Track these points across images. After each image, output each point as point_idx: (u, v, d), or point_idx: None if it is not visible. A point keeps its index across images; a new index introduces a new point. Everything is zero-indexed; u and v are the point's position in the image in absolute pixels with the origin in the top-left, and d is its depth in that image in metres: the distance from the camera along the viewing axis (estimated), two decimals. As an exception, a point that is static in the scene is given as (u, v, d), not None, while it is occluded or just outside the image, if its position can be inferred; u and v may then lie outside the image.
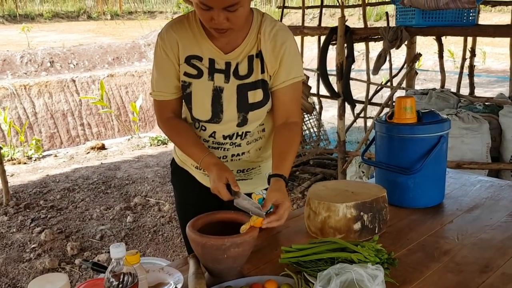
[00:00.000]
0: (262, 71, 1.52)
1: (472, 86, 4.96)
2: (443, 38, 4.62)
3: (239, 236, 1.27)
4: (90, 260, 1.38)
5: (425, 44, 10.87)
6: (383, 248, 1.37)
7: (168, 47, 1.49)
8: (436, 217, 1.81)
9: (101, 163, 6.30)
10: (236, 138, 1.60)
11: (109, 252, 3.50)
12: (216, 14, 1.31)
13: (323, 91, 5.08)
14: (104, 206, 4.54)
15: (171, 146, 7.17)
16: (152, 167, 5.96)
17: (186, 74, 1.51)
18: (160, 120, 1.59)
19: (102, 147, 7.53)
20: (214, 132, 1.59)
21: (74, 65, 10.67)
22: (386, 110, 4.67)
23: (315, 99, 5.37)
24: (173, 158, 1.77)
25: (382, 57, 3.81)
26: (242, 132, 1.59)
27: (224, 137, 1.59)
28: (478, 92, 5.74)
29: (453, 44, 10.74)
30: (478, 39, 5.06)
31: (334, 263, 1.31)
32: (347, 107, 4.35)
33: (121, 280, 0.97)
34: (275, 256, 1.51)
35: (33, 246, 3.63)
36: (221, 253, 1.25)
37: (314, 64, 5.41)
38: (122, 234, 3.85)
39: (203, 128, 1.60)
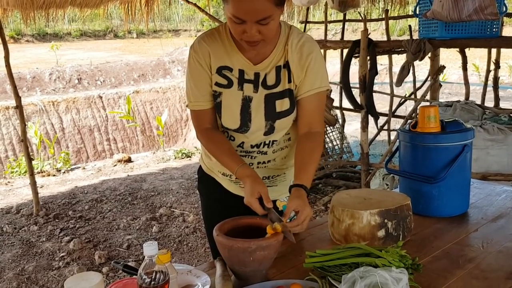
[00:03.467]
0: (289, 81, 1.56)
1: (497, 98, 4.90)
2: (467, 51, 4.60)
3: (265, 240, 1.30)
4: (122, 262, 1.43)
5: (450, 59, 10.77)
6: (407, 254, 1.38)
7: (201, 57, 1.55)
8: (461, 225, 1.80)
9: (128, 175, 6.42)
10: (263, 147, 1.64)
11: (136, 260, 3.58)
12: (248, 27, 1.36)
13: (346, 104, 5.10)
14: (130, 216, 4.62)
15: (195, 159, 7.26)
16: (177, 179, 6.04)
17: (217, 84, 1.57)
18: (198, 131, 1.64)
19: (129, 160, 7.68)
20: (243, 142, 1.64)
21: (101, 82, 10.95)
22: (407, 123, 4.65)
23: (337, 111, 5.39)
24: (200, 166, 1.82)
25: (405, 69, 3.81)
26: (269, 141, 1.63)
27: (252, 146, 1.64)
28: (504, 105, 5.65)
29: (478, 58, 10.61)
30: (505, 53, 5.01)
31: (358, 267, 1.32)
32: (370, 119, 4.35)
33: (153, 277, 1.01)
34: (299, 262, 1.53)
35: (62, 254, 3.72)
36: (247, 256, 1.28)
37: (337, 79, 5.43)
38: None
39: (232, 138, 1.64)
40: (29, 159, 4.77)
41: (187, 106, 1.64)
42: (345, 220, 1.61)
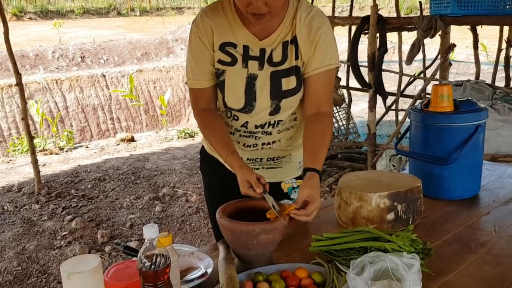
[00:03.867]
0: (296, 58, 1.49)
1: (508, 78, 4.79)
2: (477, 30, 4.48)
3: (270, 223, 1.25)
4: (122, 243, 1.39)
5: (457, 38, 10.57)
6: (418, 238, 1.33)
7: (203, 33, 1.47)
8: (472, 208, 1.75)
9: (131, 154, 6.39)
10: (268, 127, 1.58)
11: (138, 239, 3.56)
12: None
13: (352, 83, 5.00)
14: (133, 195, 4.60)
15: (197, 139, 7.22)
16: (180, 159, 6.01)
17: (220, 61, 1.50)
18: (194, 111, 1.58)
19: (132, 139, 7.65)
20: (247, 122, 1.57)
21: (104, 60, 10.85)
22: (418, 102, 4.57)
23: (344, 91, 5.30)
24: (202, 146, 1.77)
25: (415, 47, 3.72)
26: (274, 121, 1.57)
27: (256, 126, 1.58)
28: (515, 84, 5.53)
29: (486, 38, 10.42)
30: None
31: (367, 252, 1.28)
32: (378, 99, 4.27)
33: (153, 261, 0.97)
34: (305, 245, 1.49)
35: (63, 233, 3.71)
36: (251, 239, 1.24)
37: (344, 57, 5.33)
38: (151, 223, 3.89)
39: (236, 117, 1.58)
40: (30, 137, 4.73)
41: (185, 83, 1.58)
42: (353, 202, 1.56)
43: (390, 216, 1.54)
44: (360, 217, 1.55)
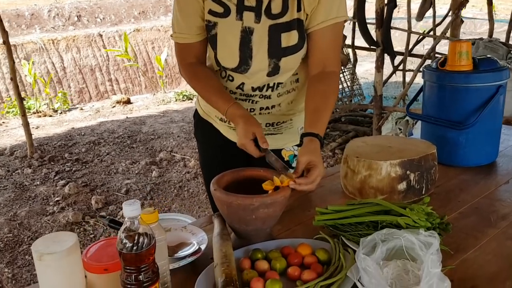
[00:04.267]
0: (299, 9, 1.33)
1: (523, 36, 4.59)
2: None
3: (269, 196, 1.14)
4: (108, 217, 1.28)
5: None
6: (433, 211, 1.22)
7: None
8: (489, 177, 1.63)
9: (127, 117, 6.26)
10: (266, 90, 1.44)
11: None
12: None
13: (359, 42, 4.80)
14: (129, 160, 4.51)
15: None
16: (178, 122, 5.88)
17: (211, 12, 1.34)
18: (181, 66, 1.43)
19: (128, 102, 7.49)
20: (243, 84, 1.43)
21: (100, 19, 10.54)
22: (428, 62, 4.38)
23: (349, 50, 5.10)
24: (196, 110, 1.63)
25: (427, 2, 3.52)
26: (274, 84, 1.43)
27: (253, 89, 1.43)
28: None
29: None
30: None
31: (378, 227, 1.17)
32: (386, 58, 4.09)
33: (135, 241, 0.86)
34: (308, 218, 1.38)
35: (56, 199, 3.63)
36: (248, 214, 1.12)
37: (350, 14, 5.09)
38: (147, 188, 3.81)
39: (230, 78, 1.44)
40: (20, 99, 4.59)
41: (171, 36, 1.43)
42: (361, 171, 1.44)
43: (402, 186, 1.42)
44: (368, 187, 1.44)
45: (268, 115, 1.48)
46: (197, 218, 3.17)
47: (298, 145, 1.56)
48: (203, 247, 1.19)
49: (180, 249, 1.20)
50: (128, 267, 0.86)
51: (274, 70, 1.37)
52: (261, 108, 1.46)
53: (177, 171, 4.18)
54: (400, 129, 4.08)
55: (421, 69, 4.09)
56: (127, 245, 0.86)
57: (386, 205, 1.22)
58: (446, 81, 1.68)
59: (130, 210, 0.85)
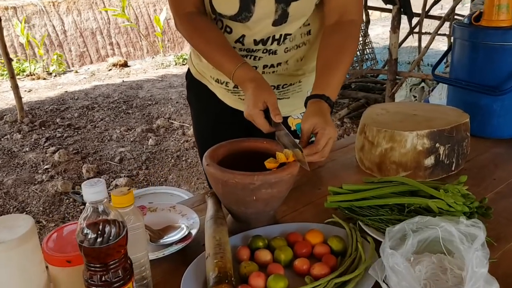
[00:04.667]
0: None
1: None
2: None
3: (274, 173, 0.95)
4: (82, 194, 1.10)
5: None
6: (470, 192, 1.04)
7: None
8: (528, 151, 1.45)
9: (123, 81, 6.05)
10: (271, 44, 1.23)
11: (128, 176, 3.32)
12: None
13: (372, 2, 4.52)
14: (124, 127, 4.33)
15: (197, 64, 6.82)
16: (177, 87, 5.67)
17: None
18: (177, 17, 1.20)
19: (125, 65, 7.26)
20: (243, 36, 1.22)
21: (102, -20, 10.15)
22: (446, 24, 4.13)
23: (361, 11, 4.82)
24: (188, 69, 1.43)
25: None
26: (280, 35, 1.22)
27: (256, 42, 1.22)
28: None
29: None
30: None
31: (404, 211, 0.99)
32: (403, 18, 3.82)
33: (100, 231, 0.68)
34: (317, 197, 1.21)
35: (46, 167, 3.47)
36: (248, 195, 0.95)
37: (362, -30, 4.78)
38: (143, 157, 3.64)
39: (228, 29, 1.22)
40: (8, 60, 4.38)
41: None
42: (381, 143, 1.26)
43: (429, 161, 1.24)
44: (389, 162, 1.26)
45: (272, 75, 1.27)
46: (195, 191, 3.01)
47: (307, 112, 1.37)
48: (194, 231, 1.02)
49: (166, 234, 1.03)
50: (91, 264, 0.69)
51: (281, 18, 1.16)
52: (264, 66, 1.25)
53: (175, 140, 4.00)
54: (414, 97, 3.87)
55: (439, 32, 3.84)
56: (89, 237, 0.68)
57: (414, 184, 1.04)
58: (480, 38, 1.48)
59: (91, 192, 0.68)
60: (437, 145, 1.23)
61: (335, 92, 1.10)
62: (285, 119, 1.34)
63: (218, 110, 1.35)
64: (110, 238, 0.69)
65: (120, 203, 0.77)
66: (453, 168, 1.29)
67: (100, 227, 0.69)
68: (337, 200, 1.07)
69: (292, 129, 1.35)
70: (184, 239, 1.00)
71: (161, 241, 1.01)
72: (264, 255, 0.93)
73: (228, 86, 1.29)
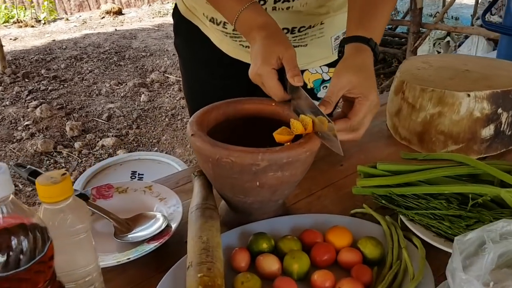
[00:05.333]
0: None
1: None
2: None
3: (287, 150, 0.68)
4: (28, 166, 0.85)
5: None
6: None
7: None
8: None
9: (116, 29, 5.71)
10: None
11: (117, 135, 3.07)
12: None
13: None
14: (115, 80, 4.04)
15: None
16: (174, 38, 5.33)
17: None
18: None
19: (119, 12, 6.88)
20: None
21: None
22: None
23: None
24: (175, 5, 1.13)
25: None
26: None
27: None
28: None
29: None
30: None
31: (466, 204, 0.73)
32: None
33: (9, 249, 0.43)
34: (339, 176, 0.96)
35: (26, 123, 3.22)
36: (249, 179, 0.69)
37: None
38: (133, 115, 3.38)
39: None
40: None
41: None
42: (426, 107, 0.99)
43: (487, 131, 0.97)
44: (436, 131, 0.99)
45: (286, 12, 0.97)
46: (190, 155, 2.76)
47: (330, 65, 1.09)
48: (174, 224, 0.77)
49: (136, 226, 0.79)
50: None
51: None
52: (275, 1, 0.95)
53: (170, 96, 3.72)
54: (439, 53, 3.56)
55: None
56: (-12, 258, 0.42)
57: (479, 166, 0.78)
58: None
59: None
60: (500, 110, 0.96)
61: (380, 35, 0.82)
62: (300, 74, 1.06)
63: (213, 60, 1.06)
64: (24, 260, 0.43)
65: (49, 196, 0.51)
66: (515, 141, 1.03)
67: (7, 241, 0.43)
68: (370, 185, 0.81)
69: (309, 87, 1.08)
70: (160, 235, 0.75)
71: (129, 236, 0.76)
72: (270, 264, 0.69)
73: (226, 28, 1.00)
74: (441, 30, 3.42)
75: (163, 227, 0.75)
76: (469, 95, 0.94)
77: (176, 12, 1.13)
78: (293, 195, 0.89)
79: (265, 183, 0.70)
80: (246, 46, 1.03)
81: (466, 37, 3.42)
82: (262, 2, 0.96)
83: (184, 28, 1.10)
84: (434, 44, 3.62)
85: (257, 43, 0.77)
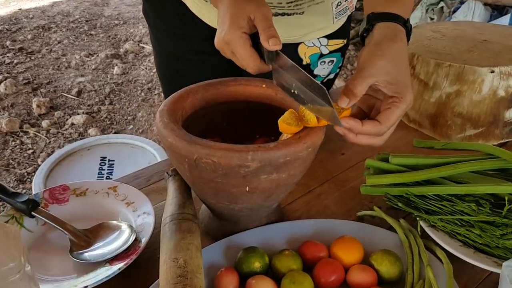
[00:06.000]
0: None
1: None
2: None
3: (284, 146, 0.55)
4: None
5: None
6: None
7: None
8: None
9: (86, -4, 5.42)
10: None
11: (88, 113, 2.89)
12: None
13: None
14: (85, 51, 3.82)
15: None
16: (150, 4, 5.09)
17: None
18: None
19: (90, -23, 6.55)
20: None
21: None
22: None
23: None
24: (144, -37, 0.97)
25: None
26: None
27: None
28: None
29: None
30: None
31: (501, 208, 0.61)
32: None
33: None
34: (342, 167, 0.85)
35: (-12, 101, 3.02)
36: (237, 184, 0.56)
37: None
38: (106, 89, 3.19)
39: None
40: None
41: None
42: (442, 85, 0.86)
43: (511, 113, 0.85)
44: (452, 113, 0.87)
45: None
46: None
47: (330, 36, 0.95)
48: (144, 238, 0.63)
49: (97, 240, 0.65)
50: None
51: None
52: None
53: (146, 68, 3.53)
54: (431, 19, 3.42)
55: None
56: None
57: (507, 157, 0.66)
58: None
59: None
60: (527, 89, 0.84)
61: (409, 15, 0.67)
62: (295, 47, 0.92)
63: (189, 32, 0.91)
64: None
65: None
66: (540, 124, 0.91)
67: None
68: (382, 184, 0.68)
69: (304, 62, 0.93)
70: (126, 253, 0.62)
71: (87, 254, 0.63)
72: (263, 288, 0.56)
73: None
74: (434, -5, 3.28)
75: (129, 242, 0.62)
76: (493, 71, 0.81)
77: (144, -26, 0.97)
78: (288, 193, 0.76)
79: (256, 188, 0.57)
80: None
81: (461, 2, 3.30)
82: None
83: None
84: (427, 10, 3.48)
85: (223, 4, 0.63)
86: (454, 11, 3.27)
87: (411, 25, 0.65)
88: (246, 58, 0.59)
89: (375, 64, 0.58)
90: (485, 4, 3.08)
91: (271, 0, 0.83)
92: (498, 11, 3.20)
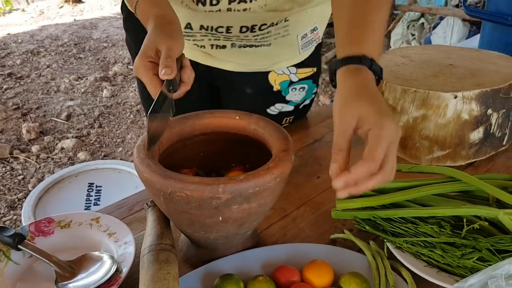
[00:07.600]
0: None
1: None
2: None
3: (253, 178, 0.58)
4: None
5: None
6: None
7: None
8: None
9: (75, 20, 5.48)
10: None
11: (77, 137, 2.91)
12: None
13: None
14: (75, 75, 3.86)
15: None
16: (138, 26, 5.15)
17: None
18: None
19: (78, 0, 6.62)
20: None
21: None
22: None
23: None
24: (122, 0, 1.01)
25: None
26: None
27: None
28: None
29: None
30: None
31: (460, 229, 0.65)
32: None
33: None
34: (317, 191, 0.88)
35: (-22, 127, 3.04)
36: (210, 214, 0.59)
37: None
38: (95, 112, 3.22)
39: None
40: None
41: None
42: (409, 109, 0.90)
43: (477, 134, 0.90)
44: (420, 136, 0.91)
45: (242, 12, 0.87)
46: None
47: (298, 65, 1.00)
48: (125, 268, 0.66)
49: (81, 271, 0.68)
50: None
51: None
52: (230, 1, 0.84)
53: (135, 90, 3.57)
54: (412, 35, 3.50)
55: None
56: None
57: (472, 182, 0.69)
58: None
59: None
60: (489, 111, 0.88)
61: (379, 50, 0.68)
62: (265, 75, 0.96)
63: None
64: None
65: None
66: (504, 142, 0.95)
67: None
68: (352, 208, 0.72)
69: (275, 89, 0.98)
70: (108, 284, 0.64)
71: (71, 285, 0.66)
72: (239, 314, 0.59)
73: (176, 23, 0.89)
74: (415, 12, 3.36)
75: (111, 273, 0.65)
76: (456, 96, 0.86)
77: (124, 6, 1.01)
78: (264, 218, 0.79)
79: (229, 218, 0.60)
80: (201, 46, 0.93)
81: (441, 18, 3.37)
82: (214, 2, 0.85)
83: (132, 25, 0.99)
84: (408, 27, 3.56)
85: (147, 33, 0.70)
86: (434, 27, 3.34)
87: (371, 59, 0.64)
88: (147, 84, 0.67)
89: (345, 114, 0.60)
90: (464, 20, 3.16)
91: (238, 33, 0.88)
92: (476, 25, 3.28)
